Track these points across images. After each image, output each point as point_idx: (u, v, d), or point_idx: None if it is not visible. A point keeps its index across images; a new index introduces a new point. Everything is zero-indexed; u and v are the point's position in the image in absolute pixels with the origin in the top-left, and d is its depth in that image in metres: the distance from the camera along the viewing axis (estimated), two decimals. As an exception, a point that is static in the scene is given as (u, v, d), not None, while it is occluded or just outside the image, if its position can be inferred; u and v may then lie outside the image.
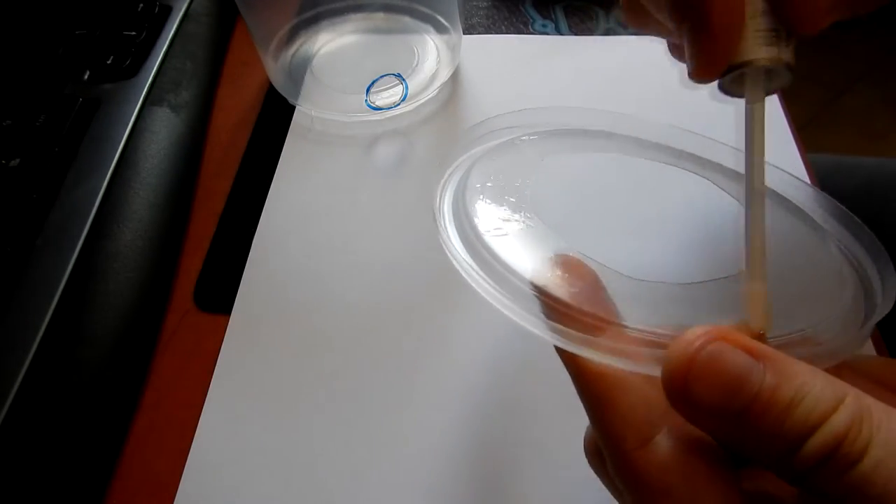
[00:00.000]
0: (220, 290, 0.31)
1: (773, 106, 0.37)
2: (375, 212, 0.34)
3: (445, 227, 0.21)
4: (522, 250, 0.20)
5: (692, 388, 0.14)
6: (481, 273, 0.19)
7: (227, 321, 0.30)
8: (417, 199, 0.34)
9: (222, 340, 0.29)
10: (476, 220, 0.20)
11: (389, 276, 0.31)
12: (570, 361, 0.17)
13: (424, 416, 0.27)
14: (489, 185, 0.22)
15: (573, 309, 0.17)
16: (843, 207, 0.22)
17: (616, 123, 0.26)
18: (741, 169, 0.25)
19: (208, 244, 0.33)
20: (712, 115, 0.37)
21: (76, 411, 0.26)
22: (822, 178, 0.34)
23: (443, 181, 0.23)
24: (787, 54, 0.19)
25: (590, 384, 0.17)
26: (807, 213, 0.24)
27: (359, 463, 0.26)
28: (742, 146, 0.19)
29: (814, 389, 0.14)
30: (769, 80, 0.19)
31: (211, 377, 0.28)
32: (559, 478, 0.25)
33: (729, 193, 0.25)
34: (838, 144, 1.30)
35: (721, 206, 0.25)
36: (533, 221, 0.21)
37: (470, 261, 0.19)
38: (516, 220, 0.21)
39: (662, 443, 0.16)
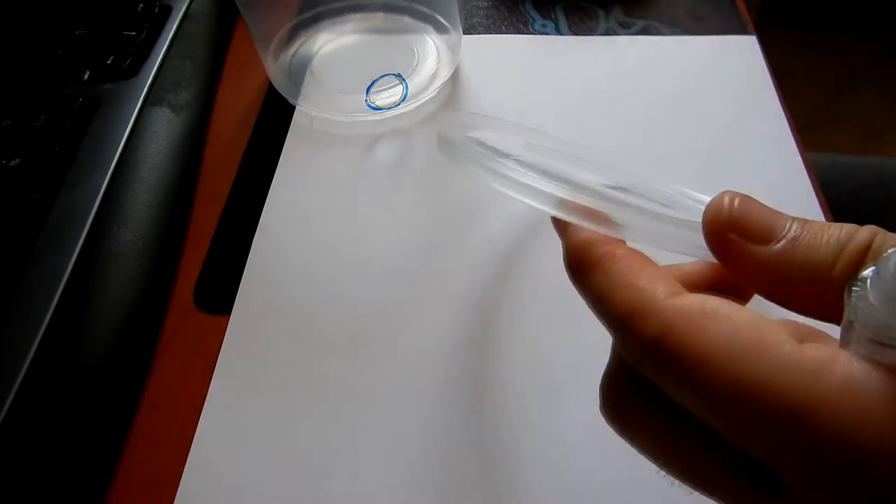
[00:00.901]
0: (220, 290, 0.31)
1: (772, 105, 0.37)
2: (375, 212, 0.34)
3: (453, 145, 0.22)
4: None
5: (736, 218, 0.17)
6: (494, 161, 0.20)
7: (227, 321, 0.30)
8: (417, 199, 0.34)
9: (222, 340, 0.29)
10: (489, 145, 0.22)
11: (389, 276, 0.31)
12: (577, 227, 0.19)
13: (425, 417, 0.27)
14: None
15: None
16: None
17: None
18: None
19: (208, 244, 0.33)
20: (711, 114, 0.37)
21: (76, 411, 0.26)
22: (822, 178, 0.34)
23: (443, 130, 0.23)
24: None
25: (614, 253, 0.18)
26: None
27: (358, 463, 0.26)
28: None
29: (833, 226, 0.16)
30: None
31: (211, 377, 0.28)
32: (559, 479, 0.25)
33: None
34: (838, 144, 1.30)
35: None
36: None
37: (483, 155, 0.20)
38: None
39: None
